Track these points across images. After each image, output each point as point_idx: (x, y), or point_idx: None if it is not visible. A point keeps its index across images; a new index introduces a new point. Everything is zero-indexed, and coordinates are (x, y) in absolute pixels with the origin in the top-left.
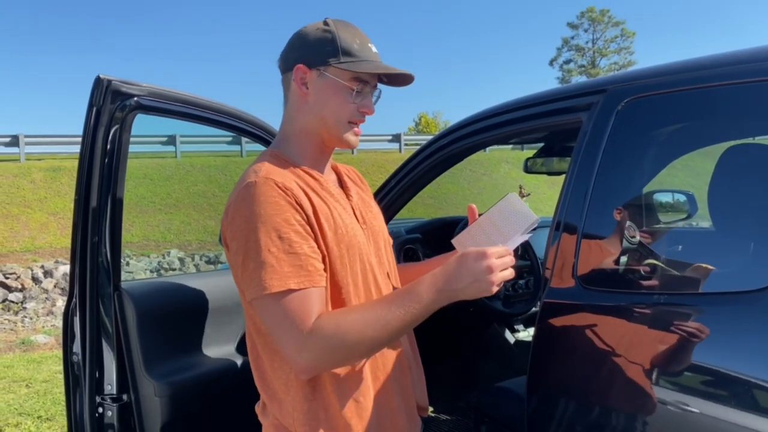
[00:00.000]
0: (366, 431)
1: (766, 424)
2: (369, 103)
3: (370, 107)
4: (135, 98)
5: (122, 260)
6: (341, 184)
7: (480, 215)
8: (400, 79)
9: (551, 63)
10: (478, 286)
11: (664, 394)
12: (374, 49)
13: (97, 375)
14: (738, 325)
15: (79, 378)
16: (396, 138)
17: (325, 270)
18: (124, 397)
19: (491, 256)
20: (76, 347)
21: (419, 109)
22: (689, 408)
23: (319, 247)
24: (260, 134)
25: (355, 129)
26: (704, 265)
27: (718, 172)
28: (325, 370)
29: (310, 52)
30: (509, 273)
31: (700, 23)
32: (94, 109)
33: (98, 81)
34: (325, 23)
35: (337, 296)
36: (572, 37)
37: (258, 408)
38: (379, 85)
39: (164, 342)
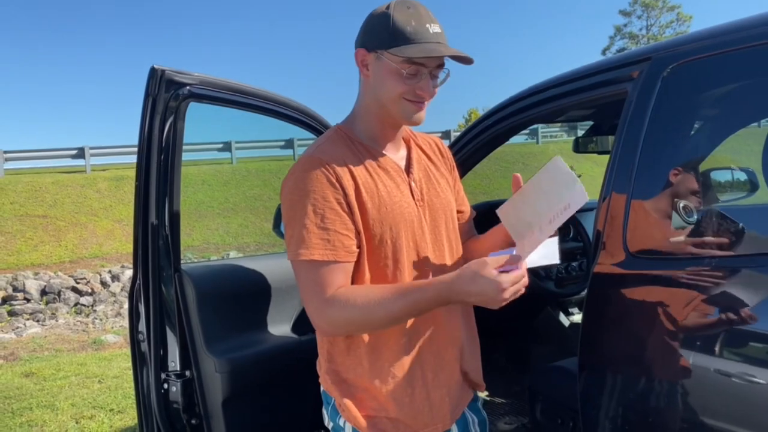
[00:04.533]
0: (390, 393)
1: None
2: (424, 85)
3: (426, 89)
4: (187, 87)
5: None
6: (408, 159)
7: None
8: (461, 58)
9: (604, 52)
10: (485, 301)
11: (720, 363)
12: (434, 30)
13: (161, 353)
14: None
15: (145, 356)
16: (446, 135)
17: (358, 247)
18: (187, 373)
19: (505, 284)
20: (141, 326)
21: (469, 105)
22: (752, 378)
23: (356, 224)
24: (310, 122)
25: (417, 104)
26: (756, 233)
27: None
28: (341, 335)
29: (369, 36)
30: (521, 291)
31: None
32: (150, 98)
33: (153, 71)
34: (387, 6)
35: (377, 271)
36: (625, 25)
37: (317, 362)
38: (448, 65)
39: (223, 321)
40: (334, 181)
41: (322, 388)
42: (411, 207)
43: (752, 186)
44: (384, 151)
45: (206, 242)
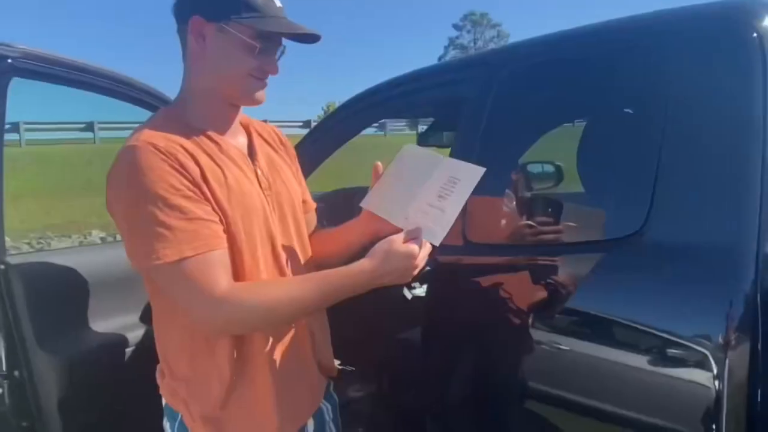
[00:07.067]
0: (255, 396)
1: (631, 358)
2: (273, 61)
3: (274, 66)
4: (9, 60)
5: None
6: (251, 146)
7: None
8: (306, 37)
9: (439, 60)
10: (398, 278)
11: (541, 335)
12: (278, 4)
13: None
14: (607, 270)
15: None
16: (306, 124)
17: (225, 231)
18: (16, 373)
19: (417, 256)
20: None
21: (328, 98)
22: (563, 347)
23: (213, 210)
24: (157, 105)
25: (262, 81)
26: (570, 223)
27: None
28: (235, 333)
29: (207, 3)
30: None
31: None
32: None
33: None
34: None
35: (232, 267)
36: (456, 37)
37: (158, 371)
38: (285, 42)
39: (60, 315)
40: (177, 166)
41: (164, 401)
42: (258, 196)
43: (558, 178)
44: (224, 137)
45: (69, 221)
